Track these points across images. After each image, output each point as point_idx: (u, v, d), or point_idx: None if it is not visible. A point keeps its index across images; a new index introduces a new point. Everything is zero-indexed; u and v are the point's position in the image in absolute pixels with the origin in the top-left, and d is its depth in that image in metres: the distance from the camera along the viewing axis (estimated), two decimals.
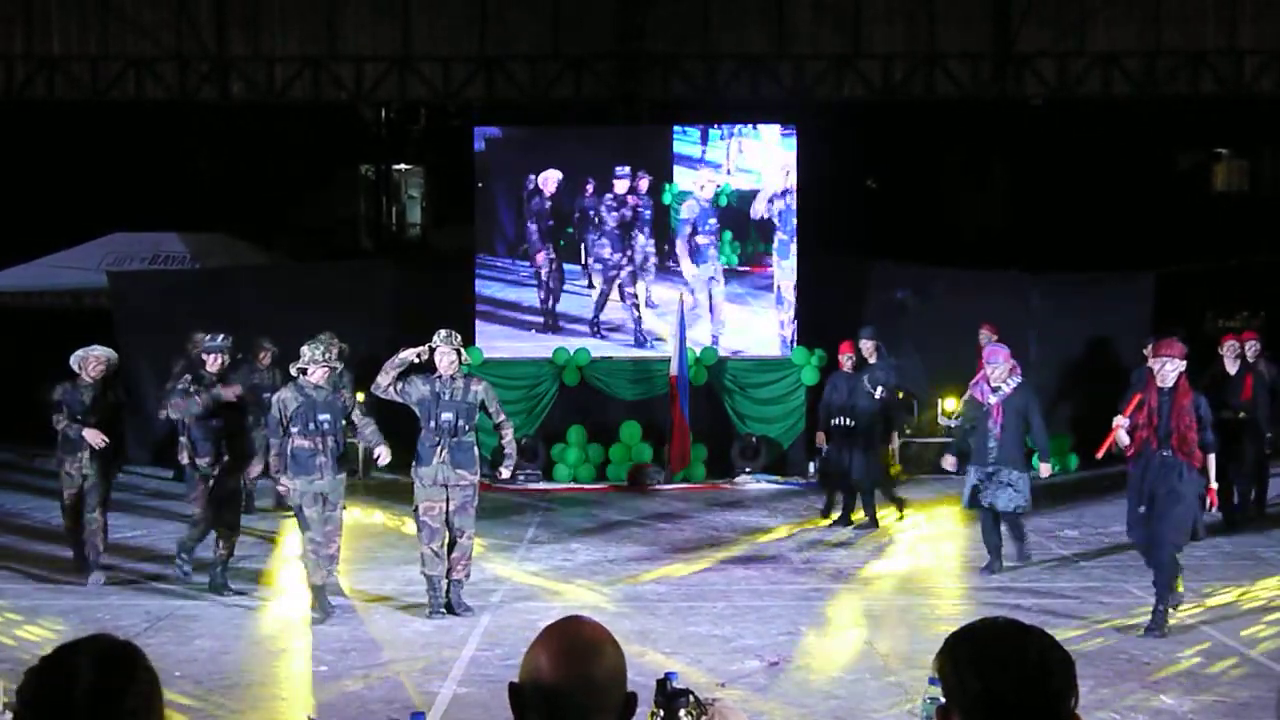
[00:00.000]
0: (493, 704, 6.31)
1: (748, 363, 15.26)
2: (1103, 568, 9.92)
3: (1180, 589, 8.06)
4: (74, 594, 9.04)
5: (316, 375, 8.40)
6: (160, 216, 19.80)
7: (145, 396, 15.50)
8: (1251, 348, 11.55)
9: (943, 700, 2.00)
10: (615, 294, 15.71)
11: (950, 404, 15.45)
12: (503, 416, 8.65)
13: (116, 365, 9.92)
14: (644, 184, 15.63)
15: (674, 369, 14.59)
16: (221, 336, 9.51)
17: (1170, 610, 7.84)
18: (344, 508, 8.67)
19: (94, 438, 9.32)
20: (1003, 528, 9.62)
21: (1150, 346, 8.34)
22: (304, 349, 8.49)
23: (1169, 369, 7.80)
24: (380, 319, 15.76)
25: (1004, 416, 9.37)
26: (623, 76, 16.74)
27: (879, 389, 11.60)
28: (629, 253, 15.61)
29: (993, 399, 9.42)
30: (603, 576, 9.65)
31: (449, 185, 23.10)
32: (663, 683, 2.87)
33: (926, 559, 10.48)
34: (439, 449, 8.25)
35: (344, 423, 8.54)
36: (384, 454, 8.84)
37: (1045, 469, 9.72)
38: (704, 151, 15.82)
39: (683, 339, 14.82)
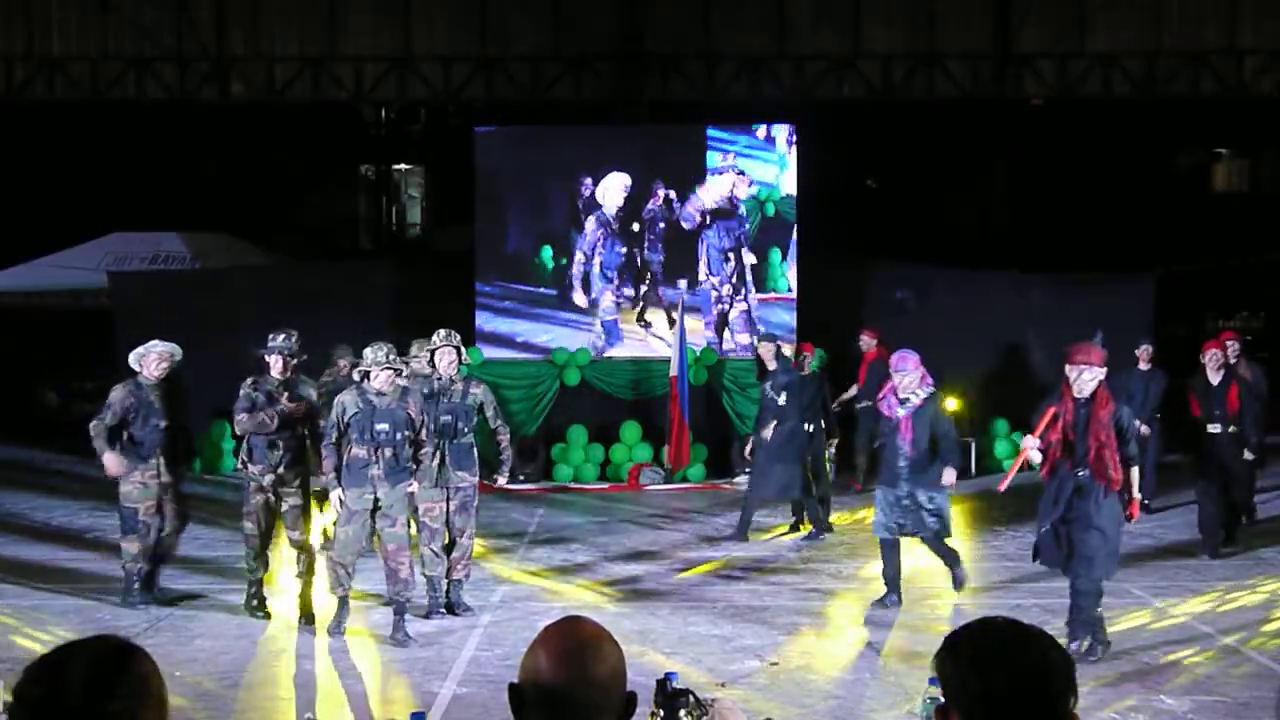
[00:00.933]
0: (493, 704, 6.31)
1: (748, 362, 15.28)
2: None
3: (1105, 638, 7.21)
4: (75, 594, 9.03)
5: (380, 380, 7.68)
6: (160, 216, 19.82)
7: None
8: (1232, 349, 10.89)
9: (942, 700, 2.00)
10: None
11: (951, 404, 15.48)
12: (500, 421, 8.56)
13: (180, 361, 8.75)
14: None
15: (674, 369, 14.60)
16: (284, 335, 8.34)
17: (1092, 657, 7.02)
18: (408, 522, 7.93)
19: (113, 462, 8.40)
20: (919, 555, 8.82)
21: (1068, 351, 7.25)
22: (366, 351, 7.74)
23: (1086, 378, 6.99)
24: (380, 319, 15.76)
25: (914, 431, 8.38)
26: (623, 77, 16.75)
27: (782, 394, 10.95)
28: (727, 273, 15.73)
29: (900, 412, 8.42)
30: (603, 576, 9.65)
31: (449, 185, 23.08)
32: (663, 683, 2.88)
33: (926, 559, 10.47)
34: (435, 452, 8.15)
35: (408, 434, 7.77)
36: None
37: (949, 475, 8.53)
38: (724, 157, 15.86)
39: (683, 338, 14.83)
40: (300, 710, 6.44)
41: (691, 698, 2.81)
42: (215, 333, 15.64)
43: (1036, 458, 7.23)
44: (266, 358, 8.32)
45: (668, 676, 2.95)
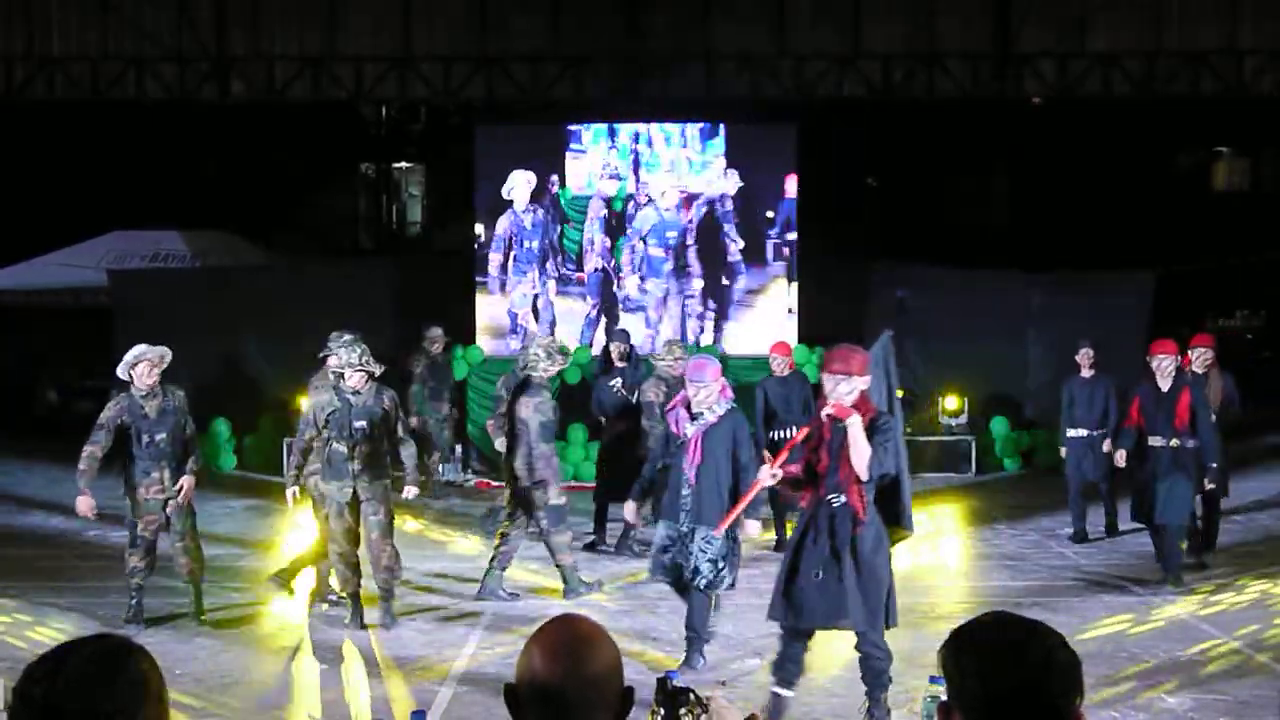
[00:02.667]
0: (493, 703, 6.31)
1: (748, 362, 15.28)
2: (1104, 567, 9.92)
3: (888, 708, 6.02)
4: (76, 594, 9.04)
5: (354, 380, 7.96)
6: (161, 215, 19.82)
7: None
8: (1202, 356, 9.79)
9: (943, 699, 1.99)
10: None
11: (951, 403, 15.49)
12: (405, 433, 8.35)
13: (169, 362, 8.16)
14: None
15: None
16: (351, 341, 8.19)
17: None
18: (388, 515, 8.13)
19: (84, 507, 7.78)
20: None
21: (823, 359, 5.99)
22: (341, 352, 7.95)
23: (844, 389, 5.74)
24: (381, 317, 15.79)
25: (703, 456, 6.90)
26: (623, 76, 16.75)
27: (635, 393, 10.78)
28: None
29: (690, 429, 6.98)
30: (603, 575, 9.65)
31: (449, 184, 23.08)
32: (663, 681, 2.88)
33: (927, 558, 10.48)
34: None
35: (383, 429, 8.00)
36: (411, 491, 8.45)
37: (751, 527, 7.13)
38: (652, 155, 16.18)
39: (684, 337, 14.84)
40: (301, 709, 6.45)
41: (692, 696, 2.81)
42: (215, 332, 15.67)
43: (769, 479, 5.94)
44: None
45: (668, 675, 2.95)
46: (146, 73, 16.74)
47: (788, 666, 6.05)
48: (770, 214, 16.06)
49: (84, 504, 7.81)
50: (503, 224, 16.06)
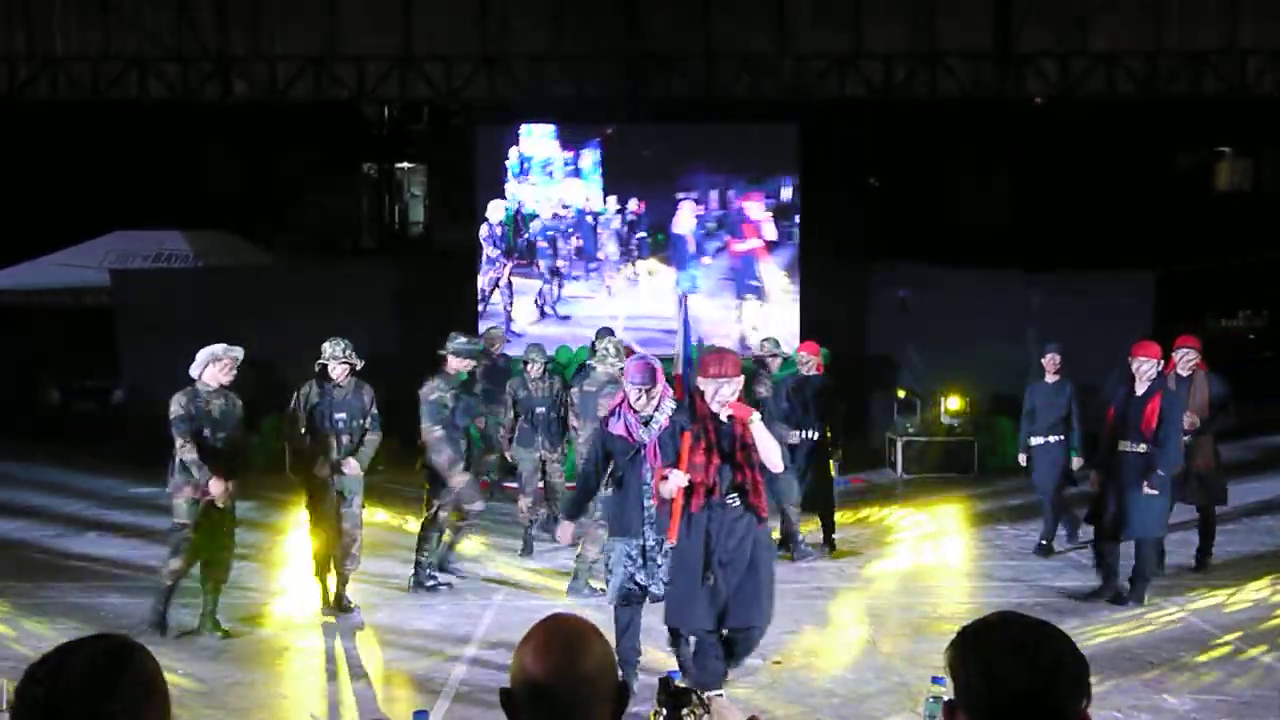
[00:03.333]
0: (495, 703, 6.30)
1: (748, 361, 15.27)
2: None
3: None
4: (77, 593, 9.05)
5: (336, 373, 8.41)
6: (163, 215, 19.82)
7: (145, 394, 15.43)
8: (1185, 359, 9.23)
9: (947, 698, 1.98)
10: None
11: (954, 403, 15.49)
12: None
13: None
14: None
15: (677, 367, 14.58)
16: (467, 339, 9.29)
17: None
18: (363, 506, 8.60)
19: (217, 489, 7.76)
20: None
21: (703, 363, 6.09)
22: (324, 346, 8.45)
23: (726, 392, 5.78)
24: (383, 317, 15.82)
25: (660, 461, 6.17)
26: (624, 76, 16.76)
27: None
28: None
29: (645, 435, 6.44)
30: (605, 574, 9.63)
31: (451, 184, 23.08)
32: (665, 681, 2.88)
33: (929, 558, 10.48)
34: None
35: (361, 422, 8.46)
36: (351, 465, 8.39)
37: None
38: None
39: (686, 337, 14.81)
40: (303, 709, 6.45)
41: (694, 696, 2.81)
42: (217, 332, 15.64)
43: (670, 489, 5.82)
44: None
45: (670, 675, 2.96)
46: (148, 73, 16.75)
47: (710, 666, 5.96)
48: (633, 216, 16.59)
49: (218, 486, 7.71)
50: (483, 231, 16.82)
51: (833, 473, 11.03)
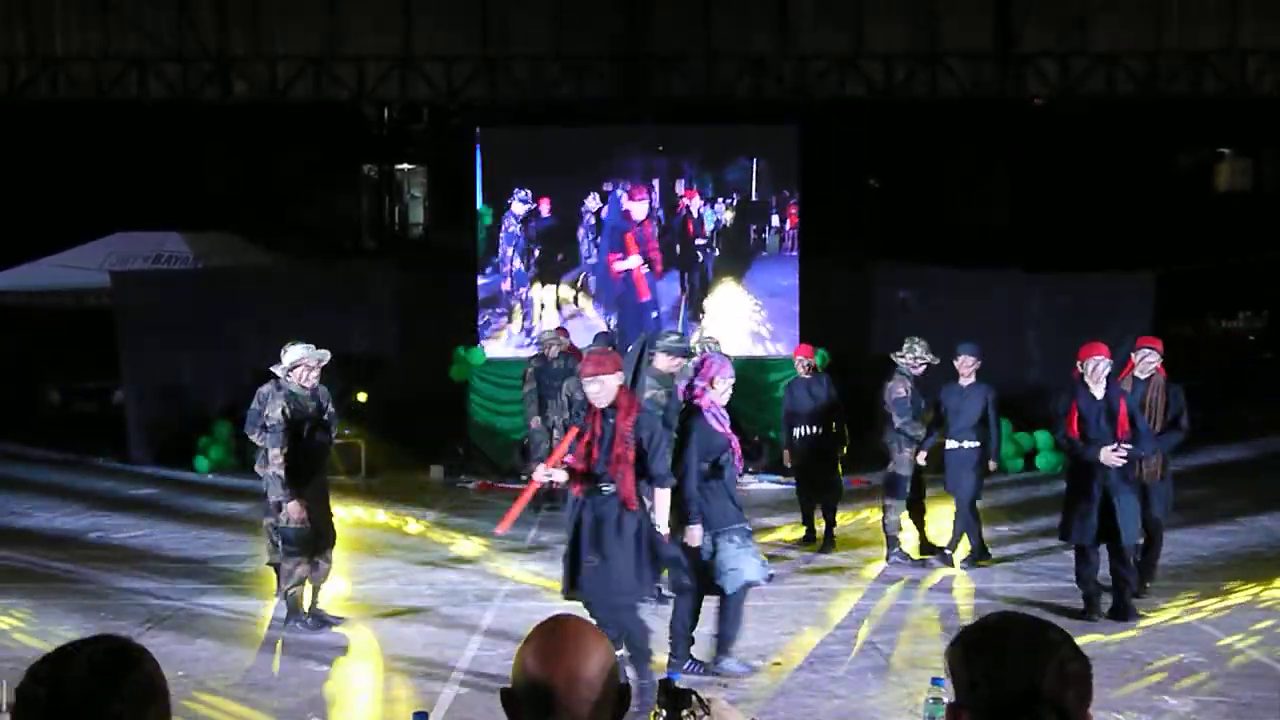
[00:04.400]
0: (495, 704, 6.29)
1: (748, 362, 15.28)
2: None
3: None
4: (78, 594, 9.05)
5: (300, 375, 8.09)
6: (163, 216, 19.83)
7: (146, 395, 15.49)
8: (1146, 359, 8.67)
9: (948, 699, 1.98)
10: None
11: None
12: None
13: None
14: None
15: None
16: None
17: None
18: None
19: (297, 515, 7.73)
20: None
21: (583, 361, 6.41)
22: (293, 349, 8.13)
23: (593, 389, 6.16)
24: (383, 318, 15.81)
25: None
26: (625, 77, 16.77)
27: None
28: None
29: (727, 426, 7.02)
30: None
31: (451, 185, 23.10)
32: (666, 683, 2.88)
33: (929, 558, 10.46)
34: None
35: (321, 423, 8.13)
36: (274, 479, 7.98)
37: (694, 534, 6.70)
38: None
39: (687, 336, 14.84)
40: (303, 710, 6.45)
41: (694, 698, 2.81)
42: (217, 333, 15.68)
43: (560, 476, 6.24)
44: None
45: (670, 677, 2.96)
46: (148, 73, 16.75)
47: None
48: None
49: (298, 511, 7.75)
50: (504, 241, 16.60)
51: (840, 473, 11.13)
